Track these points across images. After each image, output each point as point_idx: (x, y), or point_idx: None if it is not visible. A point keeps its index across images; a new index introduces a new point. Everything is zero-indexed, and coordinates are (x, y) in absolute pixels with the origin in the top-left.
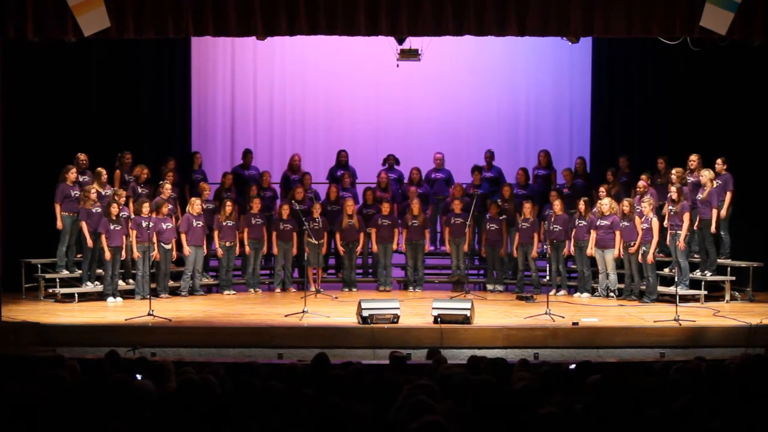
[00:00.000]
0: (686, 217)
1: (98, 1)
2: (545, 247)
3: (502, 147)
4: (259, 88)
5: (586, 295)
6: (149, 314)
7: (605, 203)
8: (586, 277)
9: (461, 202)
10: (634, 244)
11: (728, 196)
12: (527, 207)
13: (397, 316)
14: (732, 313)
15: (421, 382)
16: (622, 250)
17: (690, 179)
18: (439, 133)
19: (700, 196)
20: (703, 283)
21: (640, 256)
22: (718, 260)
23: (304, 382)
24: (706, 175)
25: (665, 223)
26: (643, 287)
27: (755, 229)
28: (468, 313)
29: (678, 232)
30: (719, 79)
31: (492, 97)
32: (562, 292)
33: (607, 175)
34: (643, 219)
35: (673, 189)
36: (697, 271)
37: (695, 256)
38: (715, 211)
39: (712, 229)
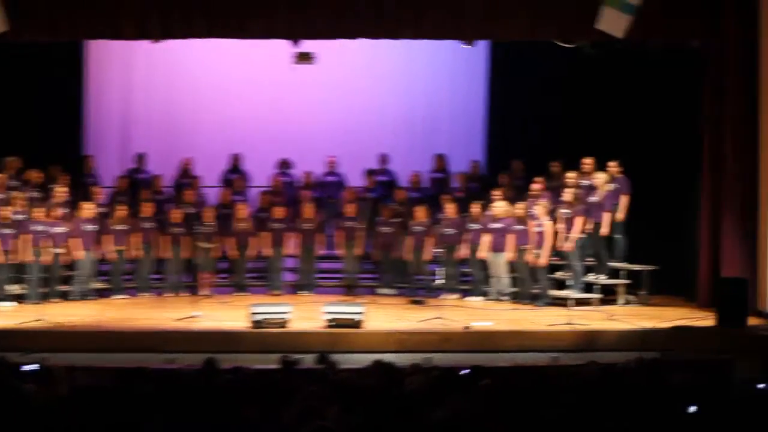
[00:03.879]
0: (578, 220)
1: None
2: (438, 250)
3: (397, 150)
4: (155, 91)
5: (479, 298)
6: (39, 319)
7: (499, 206)
8: (479, 280)
9: (354, 205)
10: (528, 247)
11: (624, 199)
12: (420, 210)
13: (287, 320)
14: (626, 317)
15: (312, 387)
16: (515, 253)
17: (584, 182)
18: (334, 136)
19: (594, 199)
20: (597, 286)
21: (533, 260)
22: (613, 263)
23: (194, 387)
24: (600, 178)
25: (559, 226)
26: (536, 291)
27: (650, 231)
28: (360, 316)
29: (571, 235)
30: (615, 83)
31: (387, 100)
32: (455, 295)
33: (501, 179)
34: (536, 222)
35: (567, 192)
36: (591, 274)
37: (589, 259)
38: (607, 214)
39: (605, 231)
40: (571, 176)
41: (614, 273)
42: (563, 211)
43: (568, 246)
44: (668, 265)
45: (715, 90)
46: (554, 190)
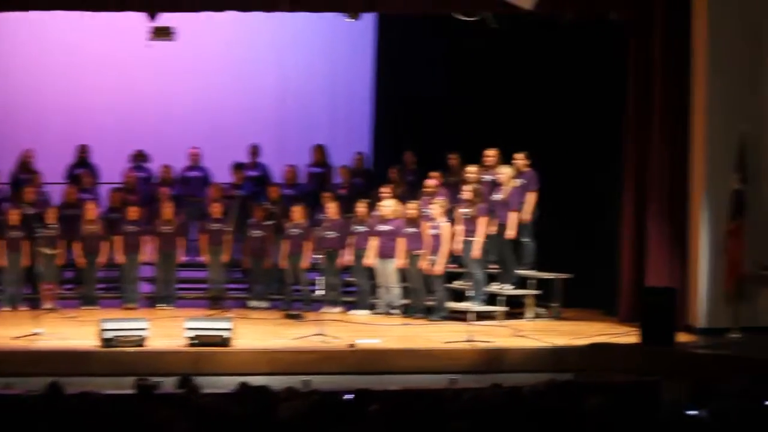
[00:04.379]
0: (482, 221)
1: None
2: (318, 256)
3: (270, 141)
4: None
5: (364, 312)
6: None
7: (388, 206)
8: (365, 291)
9: (220, 204)
10: (421, 252)
11: (532, 196)
12: (297, 210)
13: (144, 338)
14: (536, 333)
15: (172, 414)
16: (407, 260)
17: (487, 178)
18: (197, 125)
19: (497, 197)
20: (501, 297)
21: (427, 267)
22: (520, 271)
23: (35, 415)
24: (505, 172)
25: (457, 228)
26: (431, 303)
27: (563, 234)
28: (227, 333)
29: (472, 238)
30: (523, 62)
31: (259, 83)
32: (338, 308)
33: (390, 174)
34: (431, 224)
35: (467, 189)
36: (495, 283)
37: (492, 266)
38: (513, 214)
39: (511, 234)
40: (471, 170)
41: (522, 282)
42: (462, 210)
43: (474, 252)
44: (584, 273)
45: (639, 71)
46: (452, 186)
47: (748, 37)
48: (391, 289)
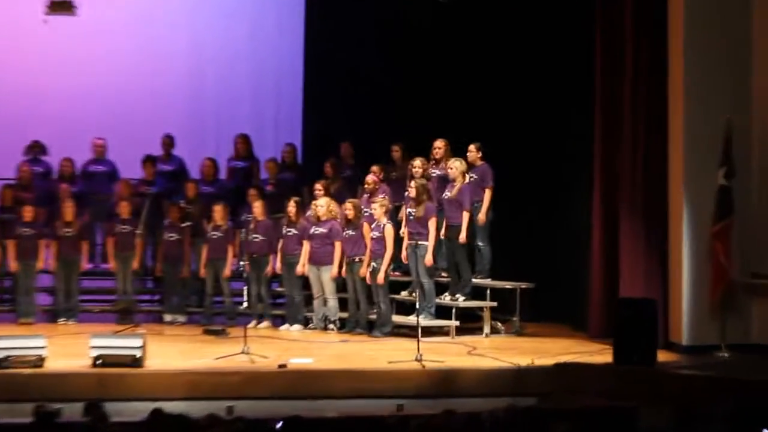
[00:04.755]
0: (431, 222)
1: None
2: (242, 263)
3: (186, 130)
4: None
5: (297, 327)
6: None
7: (322, 205)
8: (297, 303)
9: (130, 203)
10: (361, 259)
11: (487, 194)
12: (218, 210)
13: (42, 358)
14: (493, 351)
15: None
16: (345, 267)
17: (435, 172)
18: (102, 112)
19: (448, 194)
20: (454, 310)
21: (368, 276)
22: (474, 280)
23: None
24: (456, 166)
25: (402, 231)
26: (374, 317)
27: (524, 238)
28: (138, 352)
29: (420, 242)
30: (478, 40)
31: (173, 63)
32: (265, 323)
33: (325, 168)
34: (373, 226)
35: (413, 185)
36: (446, 294)
37: (443, 274)
38: (467, 215)
39: (464, 237)
40: (417, 164)
41: (477, 293)
42: (408, 210)
43: (426, 259)
44: (549, 283)
45: (609, 50)
46: (396, 182)
47: (730, 10)
48: (328, 300)
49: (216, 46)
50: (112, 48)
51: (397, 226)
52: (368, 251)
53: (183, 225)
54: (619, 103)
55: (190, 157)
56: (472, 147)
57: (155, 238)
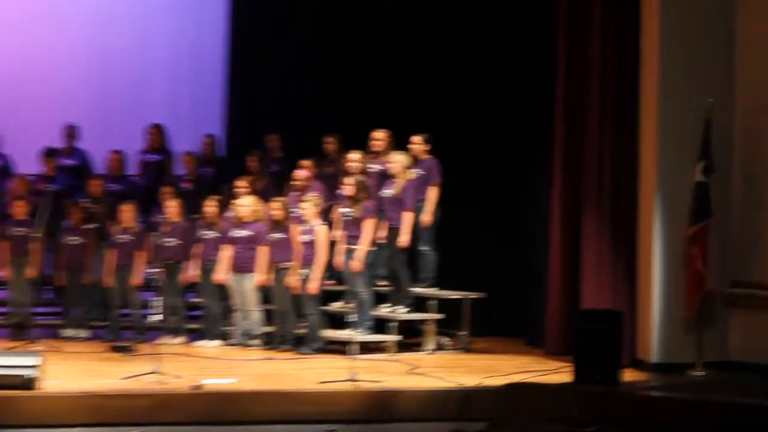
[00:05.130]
0: (369, 224)
1: None
2: (154, 271)
3: (90, 120)
4: None
5: (215, 343)
6: None
7: (245, 204)
8: (215, 316)
9: (25, 203)
10: (290, 265)
11: (432, 192)
12: (127, 211)
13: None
14: (438, 370)
15: None
16: (270, 275)
17: (374, 167)
18: None
19: (389, 192)
20: (394, 323)
21: (297, 285)
22: (417, 289)
23: None
24: (398, 161)
25: (337, 233)
26: (303, 331)
27: (473, 243)
28: (33, 373)
29: (356, 246)
30: (425, 24)
31: (74, 44)
32: (180, 338)
33: (248, 163)
34: (303, 228)
35: (348, 182)
36: (385, 305)
37: (382, 283)
38: (409, 215)
39: (405, 241)
40: (354, 158)
41: (420, 304)
42: (343, 210)
43: (356, 264)
44: (501, 293)
45: (573, 28)
46: (329, 178)
47: None
48: (250, 313)
49: (126, 23)
50: (10, 26)
51: (330, 228)
52: (297, 257)
53: (86, 227)
54: (583, 91)
55: (96, 151)
56: (416, 139)
57: (55, 242)
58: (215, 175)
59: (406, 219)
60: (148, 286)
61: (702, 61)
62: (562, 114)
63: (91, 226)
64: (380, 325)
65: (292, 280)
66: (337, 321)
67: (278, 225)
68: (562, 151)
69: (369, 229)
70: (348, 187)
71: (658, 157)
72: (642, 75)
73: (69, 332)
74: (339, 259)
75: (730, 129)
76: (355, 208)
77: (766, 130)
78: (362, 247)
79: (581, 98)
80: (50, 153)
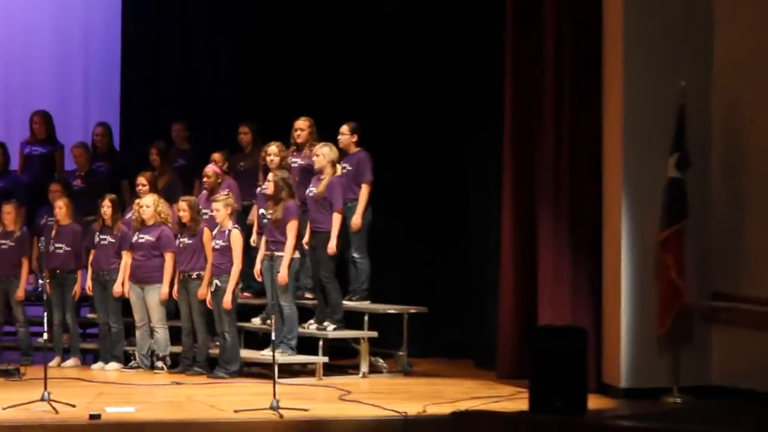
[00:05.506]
0: (292, 227)
1: None
2: (41, 282)
3: None
4: None
5: (114, 365)
6: None
7: (148, 204)
8: (114, 334)
9: None
10: (200, 275)
11: (363, 190)
12: (8, 212)
13: None
14: (373, 396)
15: None
16: (177, 286)
17: (297, 162)
18: None
19: (313, 190)
20: (321, 342)
21: (209, 298)
22: (348, 303)
23: None
24: (324, 154)
25: (254, 238)
26: (216, 351)
27: (412, 249)
28: None
29: (278, 253)
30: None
31: None
32: (72, 360)
33: (150, 155)
34: (215, 232)
35: (268, 179)
36: (312, 322)
37: (308, 296)
38: (338, 217)
39: (333, 247)
40: (274, 151)
41: (352, 320)
42: (262, 211)
43: (281, 275)
44: (445, 307)
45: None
46: (245, 174)
47: None
48: (155, 330)
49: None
50: None
51: (246, 233)
52: (209, 265)
53: None
54: (537, 73)
55: None
56: (344, 128)
57: None
58: (111, 170)
59: (335, 222)
60: (35, 299)
61: (674, 39)
62: (511, 100)
63: None
64: (306, 345)
65: (204, 292)
66: (257, 340)
67: (186, 228)
68: (513, 144)
69: (292, 234)
70: (268, 184)
71: (623, 150)
72: (604, 53)
73: None
74: (258, 268)
75: (707, 116)
76: (276, 208)
77: (749, 118)
78: (285, 254)
79: (534, 81)
80: None
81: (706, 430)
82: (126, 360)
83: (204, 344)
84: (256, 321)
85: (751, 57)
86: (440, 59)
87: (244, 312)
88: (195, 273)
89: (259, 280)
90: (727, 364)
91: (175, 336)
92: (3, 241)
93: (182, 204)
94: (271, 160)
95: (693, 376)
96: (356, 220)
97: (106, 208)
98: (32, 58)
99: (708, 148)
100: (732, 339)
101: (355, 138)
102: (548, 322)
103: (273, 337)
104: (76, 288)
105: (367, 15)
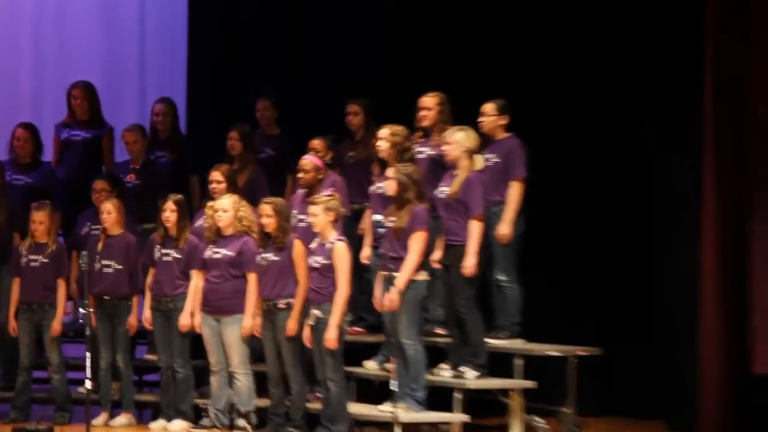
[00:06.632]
0: (418, 239)
1: None
2: (83, 311)
3: None
4: None
5: (179, 423)
6: None
7: (225, 208)
8: (181, 381)
9: None
10: (291, 303)
11: (514, 189)
12: (40, 221)
13: None
14: None
15: None
16: (260, 318)
17: (424, 151)
18: None
19: (444, 190)
20: (459, 394)
21: (306, 334)
22: (492, 341)
23: None
24: (458, 141)
25: (366, 254)
26: (317, 405)
27: (576, 269)
28: None
29: (398, 274)
30: None
31: None
32: (125, 417)
33: (228, 142)
34: (313, 245)
35: (387, 175)
36: (445, 366)
37: (439, 330)
38: (477, 226)
39: (470, 267)
40: (385, 134)
41: (498, 363)
42: (377, 218)
43: (394, 302)
44: (623, 347)
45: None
46: (355, 167)
47: None
48: (236, 377)
49: None
50: None
51: (356, 246)
52: (302, 289)
53: None
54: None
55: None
56: (489, 107)
57: None
58: (176, 162)
59: (473, 231)
60: (74, 335)
61: None
62: (712, 86)
63: None
64: (437, 397)
65: (294, 326)
66: (371, 390)
67: (271, 240)
68: (716, 137)
69: (417, 248)
70: (389, 181)
71: None
72: None
73: None
74: (375, 295)
75: None
76: (398, 214)
77: None
78: (401, 273)
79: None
80: None
81: None
82: (196, 416)
83: (300, 396)
84: (371, 365)
85: None
86: (622, 29)
87: (353, 353)
88: (283, 301)
89: (380, 311)
90: None
91: (262, 385)
92: (33, 258)
93: (266, 207)
94: (382, 148)
95: None
96: (504, 230)
97: (170, 212)
98: (70, 14)
99: None
100: None
101: (504, 120)
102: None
103: (394, 387)
104: (130, 320)
105: None
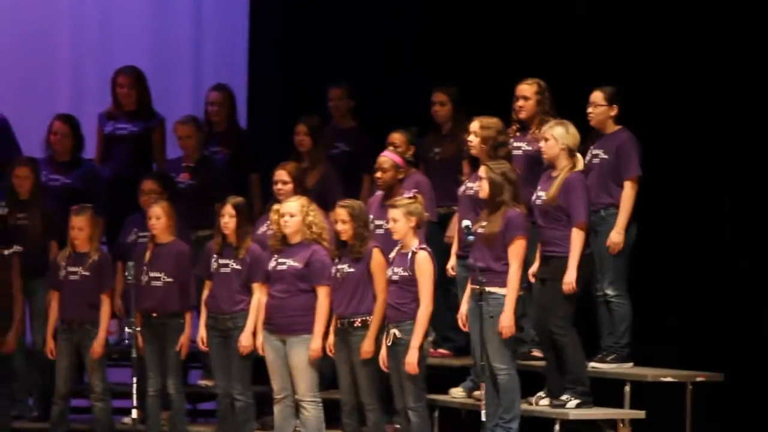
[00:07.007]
0: (517, 248)
1: None
2: (129, 331)
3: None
4: None
5: None
6: None
7: (291, 213)
8: (241, 410)
9: None
10: (366, 321)
11: (628, 190)
12: (80, 227)
13: None
14: None
15: None
16: (332, 337)
17: (521, 147)
18: None
19: (541, 195)
20: (558, 426)
21: (383, 355)
22: (596, 364)
23: None
24: (556, 136)
25: (452, 265)
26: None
27: (692, 285)
28: None
29: (491, 289)
30: None
31: None
32: None
33: (295, 136)
34: (392, 255)
35: (480, 174)
36: (541, 394)
37: (535, 353)
38: (579, 235)
39: (570, 282)
40: (475, 128)
41: (603, 389)
42: (466, 224)
43: (505, 327)
44: (751, 372)
45: None
46: (442, 166)
47: None
48: (303, 406)
49: None
50: None
51: (442, 256)
52: (380, 306)
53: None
54: None
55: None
56: (597, 96)
57: None
58: (235, 159)
59: (575, 241)
60: (119, 357)
61: None
62: None
63: (9, 250)
64: (534, 428)
65: (370, 347)
66: (458, 420)
67: (346, 250)
68: None
69: (517, 259)
70: (481, 181)
71: None
72: None
73: None
74: (462, 312)
75: None
76: (491, 219)
77: None
78: (508, 291)
79: None
80: None
81: None
82: None
83: (377, 427)
84: (458, 392)
85: None
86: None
87: (438, 378)
88: (359, 318)
89: (464, 329)
90: None
91: (333, 415)
92: (72, 270)
93: (341, 212)
94: (473, 143)
95: None
96: (616, 238)
97: (228, 217)
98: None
99: None
100: None
101: (614, 111)
102: None
103: (483, 418)
104: (183, 340)
105: None
